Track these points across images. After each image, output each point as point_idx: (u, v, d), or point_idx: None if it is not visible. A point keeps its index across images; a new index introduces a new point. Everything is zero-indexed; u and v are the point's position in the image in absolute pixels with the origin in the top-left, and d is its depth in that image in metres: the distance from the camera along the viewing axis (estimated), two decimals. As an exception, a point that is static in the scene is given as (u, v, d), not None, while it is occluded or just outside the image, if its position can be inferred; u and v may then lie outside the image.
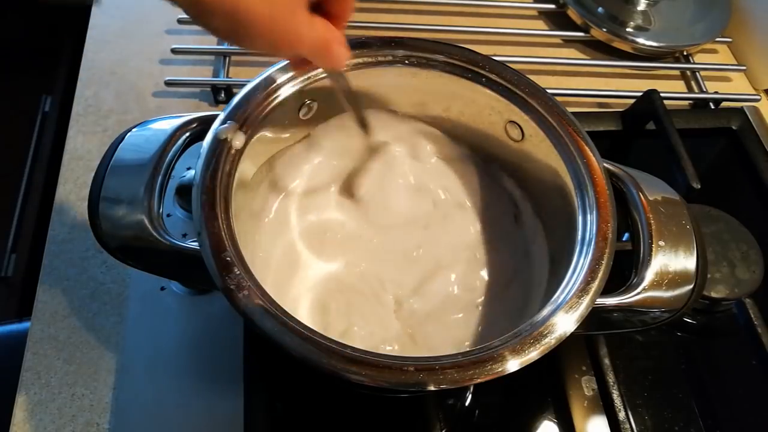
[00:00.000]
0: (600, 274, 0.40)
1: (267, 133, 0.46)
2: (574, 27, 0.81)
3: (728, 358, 0.61)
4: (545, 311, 0.39)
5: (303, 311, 0.47)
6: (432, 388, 0.35)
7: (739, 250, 0.59)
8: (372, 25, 0.76)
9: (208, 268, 0.37)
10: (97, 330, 0.53)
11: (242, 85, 0.45)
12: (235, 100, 0.44)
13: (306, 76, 0.46)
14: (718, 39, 0.83)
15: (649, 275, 0.43)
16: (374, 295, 0.49)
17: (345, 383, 0.36)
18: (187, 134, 0.45)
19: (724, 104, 0.77)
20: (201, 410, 0.49)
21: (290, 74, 0.46)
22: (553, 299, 0.40)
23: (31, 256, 0.99)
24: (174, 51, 0.69)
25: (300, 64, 0.41)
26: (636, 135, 0.70)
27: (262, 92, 0.45)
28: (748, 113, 0.74)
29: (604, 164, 0.46)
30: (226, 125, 0.42)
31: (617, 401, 0.52)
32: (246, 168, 0.45)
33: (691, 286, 0.44)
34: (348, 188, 0.53)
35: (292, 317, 0.36)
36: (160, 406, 0.49)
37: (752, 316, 0.56)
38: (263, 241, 0.49)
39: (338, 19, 0.38)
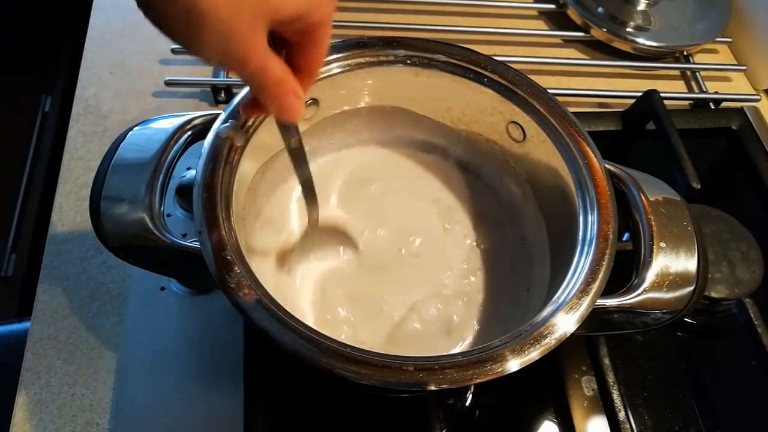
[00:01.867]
0: (600, 275, 0.40)
1: (268, 133, 0.46)
2: (574, 27, 0.81)
3: (728, 358, 0.61)
4: (546, 311, 0.39)
5: (304, 310, 0.47)
6: (432, 388, 0.35)
7: (739, 250, 0.59)
8: (372, 25, 0.76)
9: (209, 267, 0.37)
10: (97, 330, 0.53)
11: (242, 85, 0.46)
12: (237, 99, 0.44)
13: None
14: (718, 39, 0.83)
15: (650, 276, 0.43)
16: (375, 294, 0.49)
17: (345, 383, 0.36)
18: (189, 133, 0.45)
19: (724, 104, 0.77)
20: (201, 410, 0.49)
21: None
22: (553, 299, 0.40)
23: (31, 256, 0.99)
24: (174, 51, 0.69)
25: (251, 106, 0.39)
26: (636, 135, 0.71)
27: (263, 92, 0.45)
28: (748, 113, 0.74)
29: (606, 165, 0.46)
30: (227, 124, 0.42)
31: (617, 401, 0.52)
32: (247, 167, 0.45)
33: (692, 288, 0.44)
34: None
35: (293, 316, 0.36)
36: (160, 406, 0.49)
37: (752, 316, 0.56)
38: (264, 240, 0.49)
39: (305, 74, 0.36)
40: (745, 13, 0.83)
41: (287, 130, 0.40)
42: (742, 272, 0.58)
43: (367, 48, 0.48)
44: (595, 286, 0.40)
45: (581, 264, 0.41)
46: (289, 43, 0.35)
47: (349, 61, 0.48)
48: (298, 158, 0.42)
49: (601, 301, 0.40)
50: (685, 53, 0.82)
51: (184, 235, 0.56)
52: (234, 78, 0.69)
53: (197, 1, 0.29)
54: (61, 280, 0.55)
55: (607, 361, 0.53)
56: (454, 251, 0.52)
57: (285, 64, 0.35)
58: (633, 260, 0.45)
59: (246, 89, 0.45)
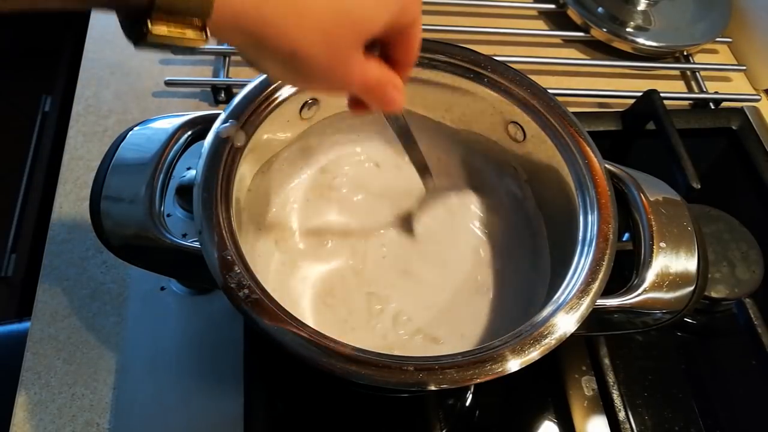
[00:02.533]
0: (601, 275, 0.40)
1: (268, 132, 0.46)
2: (574, 27, 0.81)
3: (728, 358, 0.61)
4: (546, 311, 0.39)
5: (304, 310, 0.47)
6: (432, 388, 0.35)
7: (739, 250, 0.59)
8: (372, 25, 0.76)
9: (209, 267, 0.37)
10: (97, 330, 0.53)
11: (242, 85, 0.45)
12: (237, 99, 0.44)
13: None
14: (718, 39, 0.83)
15: (650, 276, 0.43)
16: (375, 293, 0.49)
17: (345, 383, 0.36)
18: (189, 133, 0.45)
19: (724, 104, 0.77)
20: (201, 410, 0.49)
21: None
22: (553, 299, 0.40)
23: (31, 256, 0.98)
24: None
25: (356, 106, 0.40)
26: (636, 135, 0.71)
27: (263, 91, 0.45)
28: (748, 113, 0.74)
29: (606, 165, 0.46)
30: (227, 124, 0.43)
31: (617, 401, 0.52)
32: (247, 167, 0.45)
33: (692, 288, 0.44)
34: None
35: (293, 316, 0.36)
36: (160, 406, 0.49)
37: (752, 316, 0.56)
38: (264, 240, 0.49)
39: (401, 65, 0.38)
40: (745, 13, 0.83)
41: (393, 117, 0.43)
42: (742, 272, 0.58)
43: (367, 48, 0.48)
44: (595, 286, 0.40)
45: (581, 264, 0.41)
46: (384, 41, 0.36)
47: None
48: (407, 139, 0.45)
49: (601, 301, 0.40)
50: (685, 53, 0.82)
51: (184, 235, 0.56)
52: (234, 78, 0.69)
53: (297, 52, 0.31)
54: (61, 280, 0.55)
55: (607, 361, 0.53)
56: (451, 251, 0.52)
57: (380, 61, 0.37)
58: (633, 260, 0.45)
59: (249, 86, 0.45)
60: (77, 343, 0.52)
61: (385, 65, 0.37)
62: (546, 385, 0.53)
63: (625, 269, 0.46)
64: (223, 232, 0.38)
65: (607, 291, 0.41)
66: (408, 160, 0.48)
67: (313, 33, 0.31)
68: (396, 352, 0.46)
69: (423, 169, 0.49)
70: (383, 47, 0.37)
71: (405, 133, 0.45)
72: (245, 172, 0.45)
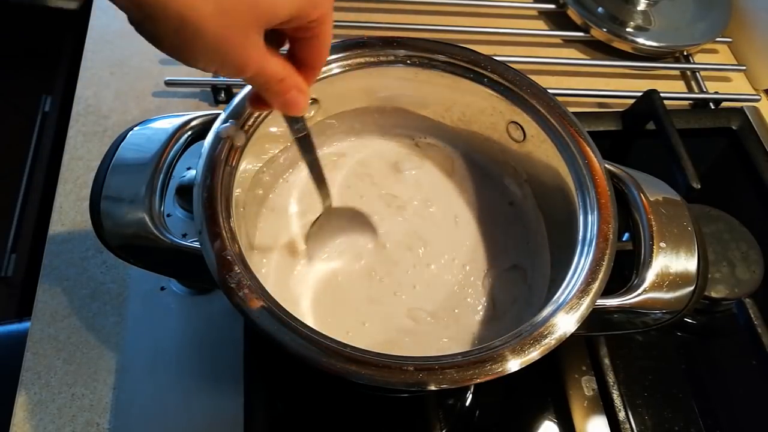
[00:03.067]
0: (601, 275, 0.40)
1: (269, 133, 0.46)
2: (574, 27, 0.81)
3: (728, 358, 0.61)
4: (546, 311, 0.39)
5: (304, 310, 0.47)
6: (432, 388, 0.35)
7: (739, 250, 0.59)
8: (372, 25, 0.76)
9: (209, 267, 0.37)
10: (97, 330, 0.53)
11: (242, 86, 0.46)
12: (237, 99, 0.44)
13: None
14: (718, 39, 0.83)
15: (650, 276, 0.43)
16: (375, 292, 0.49)
17: (345, 383, 0.36)
18: (189, 133, 0.45)
19: (724, 104, 0.77)
20: (201, 410, 0.49)
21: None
22: (553, 299, 0.40)
23: (31, 256, 0.98)
24: (174, 51, 0.69)
25: (256, 101, 0.39)
26: (636, 135, 0.71)
27: (263, 92, 0.45)
28: (748, 113, 0.74)
29: (606, 165, 0.46)
30: (227, 124, 0.43)
31: (617, 401, 0.52)
32: (247, 167, 0.45)
33: (692, 288, 0.44)
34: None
35: (293, 316, 0.36)
36: (160, 406, 0.49)
37: (752, 316, 0.56)
38: (264, 240, 0.49)
39: (308, 68, 0.36)
40: (745, 13, 0.83)
41: (294, 121, 0.41)
42: (742, 272, 0.58)
43: (367, 48, 0.48)
44: (595, 286, 0.40)
45: (581, 264, 0.41)
46: (291, 38, 0.35)
47: (349, 61, 0.48)
48: (306, 147, 0.43)
49: (601, 301, 0.40)
50: (685, 53, 0.82)
51: (184, 235, 0.56)
52: (234, 78, 0.69)
53: (187, 19, 0.29)
54: (61, 280, 0.55)
55: (607, 361, 0.53)
56: (452, 252, 0.52)
57: (286, 60, 0.35)
58: (633, 260, 0.45)
59: (248, 87, 0.45)
60: (77, 343, 0.52)
61: (290, 65, 0.35)
62: (546, 385, 0.54)
63: (625, 269, 0.46)
64: (223, 232, 0.38)
65: (607, 291, 0.41)
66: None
67: (205, 3, 0.29)
68: (396, 351, 0.46)
69: (320, 183, 0.46)
70: (291, 45, 0.36)
71: (304, 139, 0.42)
72: (245, 171, 0.45)
